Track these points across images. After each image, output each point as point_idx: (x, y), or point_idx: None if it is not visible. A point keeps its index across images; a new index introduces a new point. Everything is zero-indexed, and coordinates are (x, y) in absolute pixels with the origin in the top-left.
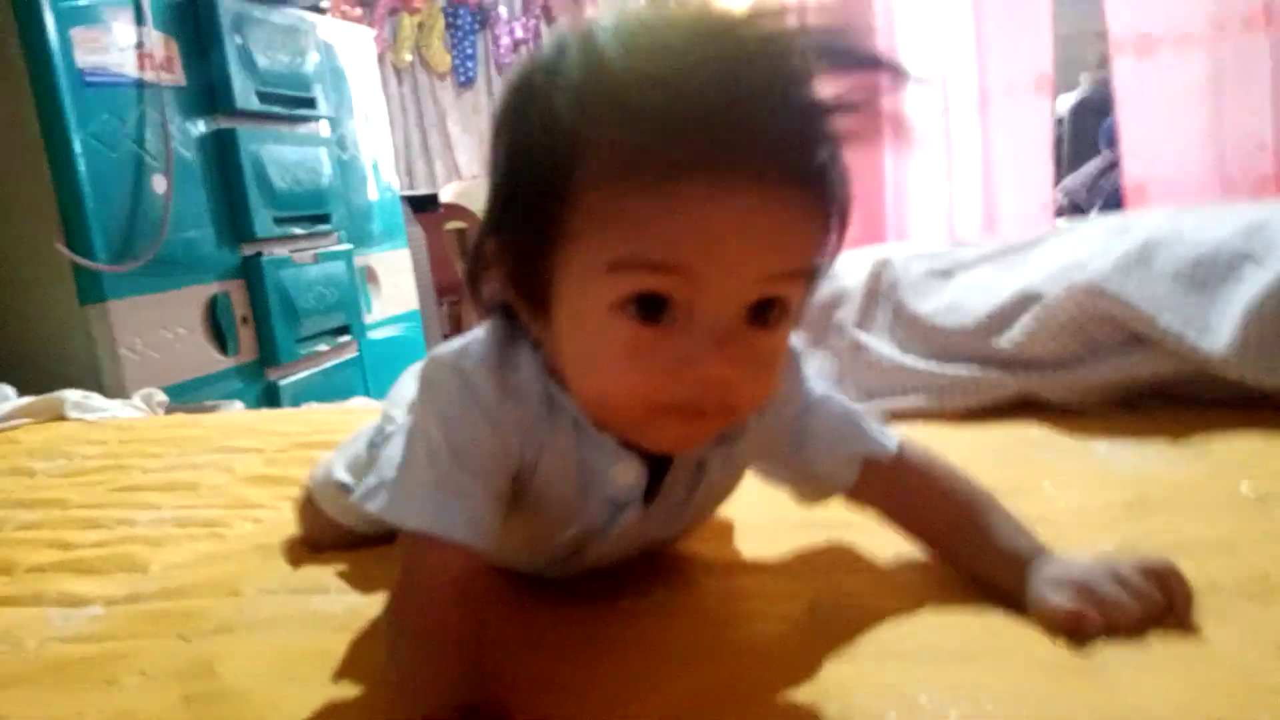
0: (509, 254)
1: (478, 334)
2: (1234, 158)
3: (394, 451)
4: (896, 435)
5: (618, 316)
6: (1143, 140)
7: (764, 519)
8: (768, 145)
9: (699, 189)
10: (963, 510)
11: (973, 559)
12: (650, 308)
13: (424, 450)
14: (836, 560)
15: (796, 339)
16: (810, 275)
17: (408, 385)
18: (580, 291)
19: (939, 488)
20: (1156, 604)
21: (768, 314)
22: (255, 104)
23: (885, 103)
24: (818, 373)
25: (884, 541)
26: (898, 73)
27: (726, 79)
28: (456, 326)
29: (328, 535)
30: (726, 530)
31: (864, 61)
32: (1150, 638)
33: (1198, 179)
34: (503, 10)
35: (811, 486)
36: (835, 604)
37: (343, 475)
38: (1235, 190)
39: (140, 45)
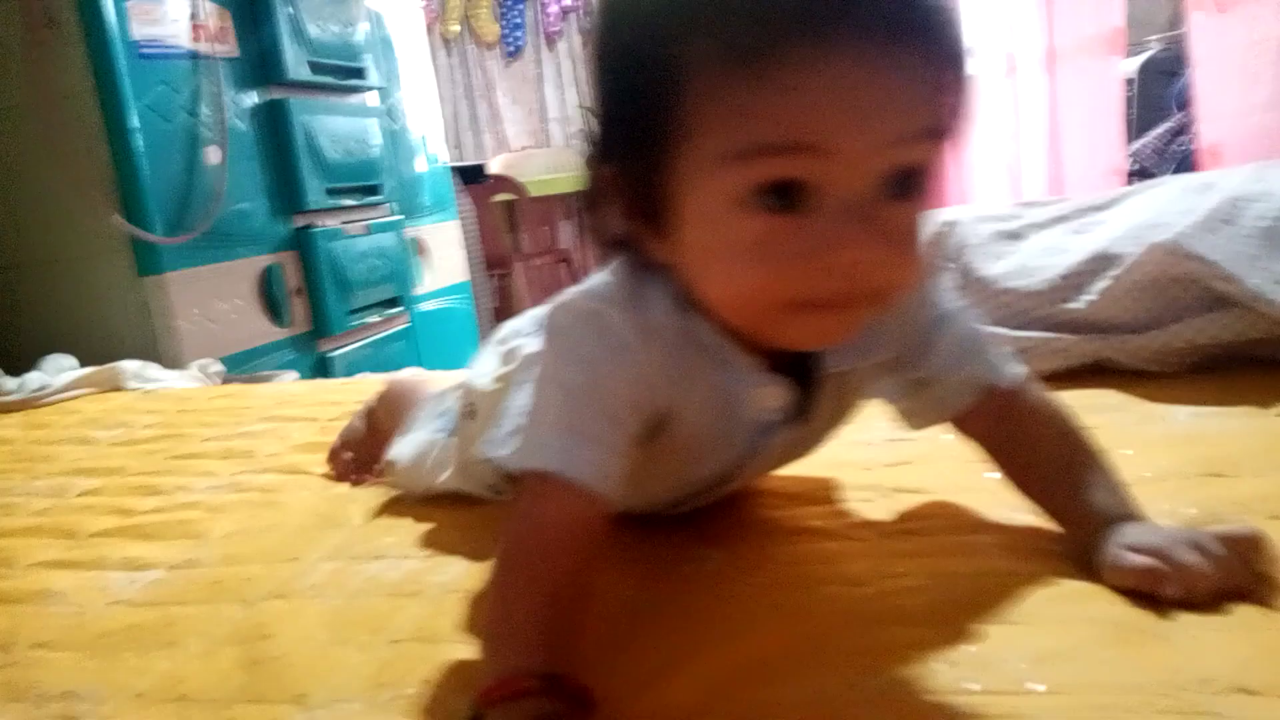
0: (625, 177)
1: (599, 278)
2: None
3: (521, 401)
4: (1020, 367)
5: (746, 211)
6: (1216, 101)
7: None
8: (882, 9)
9: (808, 59)
10: (1065, 458)
11: (1061, 509)
12: (781, 195)
13: (558, 394)
14: (901, 524)
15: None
16: (940, 135)
17: (489, 358)
18: (704, 194)
19: (1050, 430)
20: (1237, 573)
21: (905, 184)
22: (307, 74)
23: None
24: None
25: (948, 505)
26: None
27: None
28: (505, 299)
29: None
30: (796, 490)
31: None
32: (1241, 610)
33: (1276, 142)
34: None
35: (925, 406)
36: (899, 569)
37: (402, 455)
38: None
39: (194, 16)
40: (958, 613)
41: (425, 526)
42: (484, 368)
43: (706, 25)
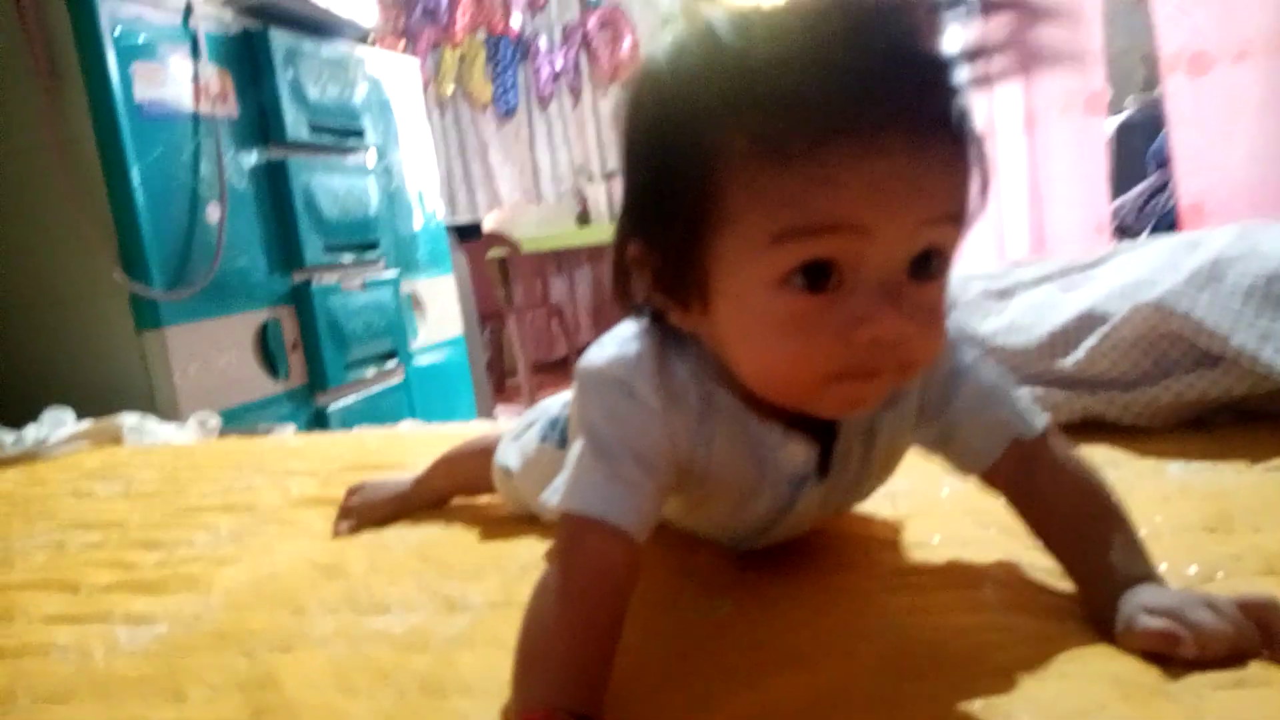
0: (656, 253)
1: (622, 338)
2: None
3: (573, 452)
4: (1044, 417)
5: (783, 291)
6: (1196, 159)
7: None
8: (905, 98)
9: (849, 150)
10: (1086, 514)
11: (1079, 566)
12: (815, 275)
13: (593, 447)
14: (906, 578)
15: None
16: (960, 220)
17: None
18: (741, 275)
19: (1073, 484)
20: (1252, 637)
21: (928, 265)
22: (306, 135)
23: (1017, 40)
24: (966, 338)
25: (954, 559)
26: (1025, 8)
27: (856, 44)
28: (498, 351)
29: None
30: (801, 540)
31: (987, 4)
32: (1241, 665)
33: (1257, 198)
34: (543, 42)
35: (957, 457)
36: (906, 622)
37: (511, 462)
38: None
39: (196, 79)
40: (965, 667)
41: (428, 577)
42: None
43: (747, 122)
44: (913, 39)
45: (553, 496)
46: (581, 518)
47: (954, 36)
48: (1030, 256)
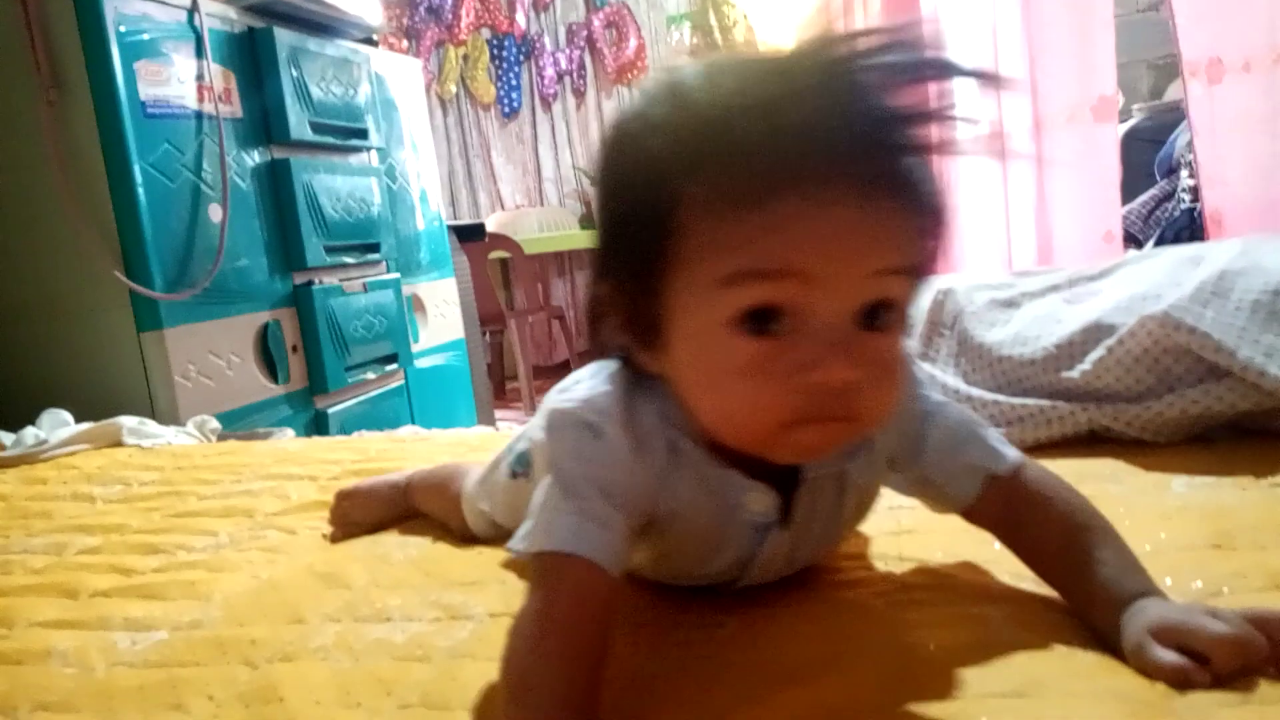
0: (622, 295)
1: (591, 382)
2: None
3: (538, 496)
4: (1014, 451)
5: (733, 334)
6: (1214, 167)
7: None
8: (855, 155)
9: (799, 201)
10: (1073, 537)
11: (1074, 591)
12: (764, 320)
13: (562, 487)
14: (907, 594)
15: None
16: (914, 274)
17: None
18: (694, 314)
19: (1054, 510)
20: (1260, 647)
21: (879, 317)
22: (309, 134)
23: (961, 111)
24: (930, 381)
25: (953, 576)
26: (981, 78)
27: (810, 101)
28: (499, 356)
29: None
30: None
31: (939, 71)
32: (1249, 682)
33: (1266, 209)
34: (547, 42)
35: (934, 500)
36: (908, 640)
37: (484, 505)
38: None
39: (200, 78)
40: (969, 685)
41: (430, 588)
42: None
43: (705, 173)
44: (868, 96)
45: (521, 542)
46: (556, 554)
47: (915, 95)
48: (1036, 267)
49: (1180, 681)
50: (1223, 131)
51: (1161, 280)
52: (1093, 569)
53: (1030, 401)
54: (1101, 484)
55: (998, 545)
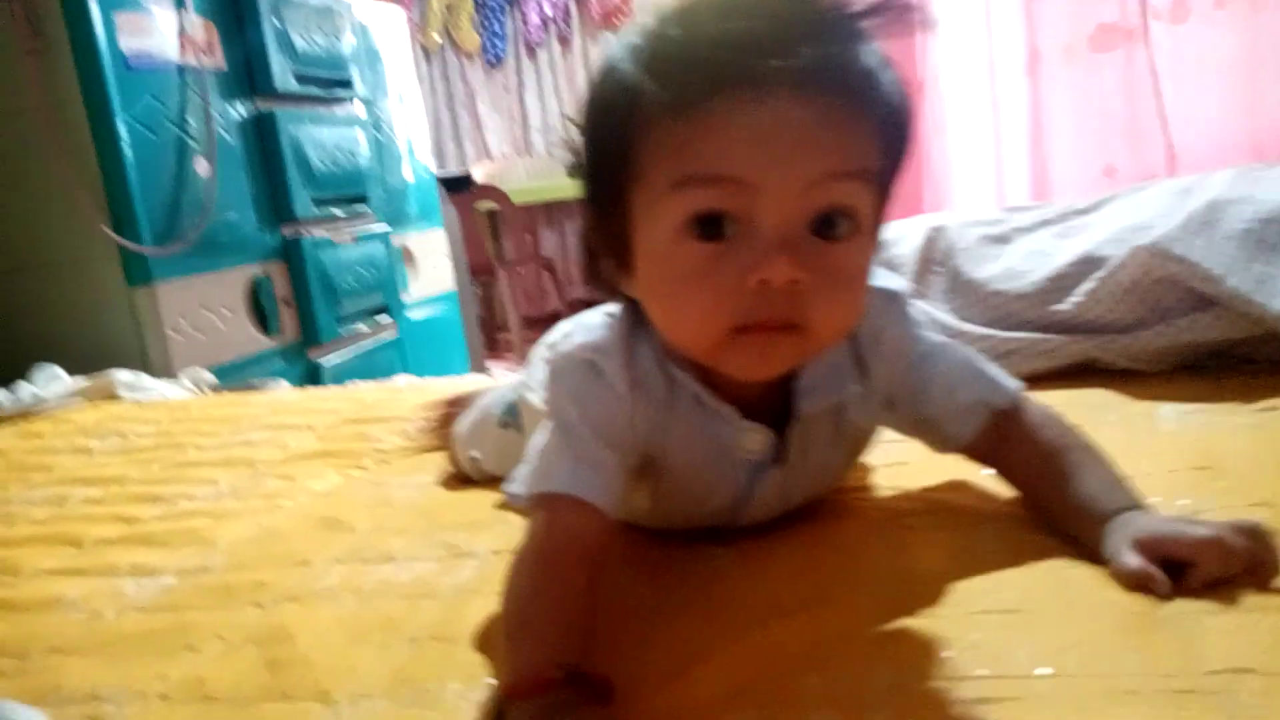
0: (599, 218)
1: (590, 326)
2: (1268, 127)
3: (537, 440)
4: (1014, 382)
5: (682, 240)
6: (1176, 108)
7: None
8: (799, 54)
9: (740, 102)
10: (1060, 458)
11: (1058, 507)
12: (711, 226)
13: (560, 429)
14: (904, 520)
15: (897, 281)
16: (871, 179)
17: (538, 365)
18: (649, 227)
19: (1044, 435)
20: (1241, 554)
21: (836, 225)
22: (294, 86)
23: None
24: (929, 322)
25: (948, 503)
26: None
27: (748, 7)
28: (490, 307)
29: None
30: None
31: None
32: (1234, 592)
33: (1231, 146)
34: None
35: (936, 439)
36: (905, 565)
37: (475, 451)
38: (1267, 158)
39: (181, 29)
40: (966, 604)
41: (433, 530)
42: (535, 375)
43: (653, 76)
44: (823, 4)
45: (518, 485)
46: (551, 495)
47: None
48: (1027, 203)
49: (1140, 585)
50: (1187, 73)
51: (1152, 212)
52: (1077, 486)
53: (1022, 335)
54: (1093, 413)
55: (990, 474)
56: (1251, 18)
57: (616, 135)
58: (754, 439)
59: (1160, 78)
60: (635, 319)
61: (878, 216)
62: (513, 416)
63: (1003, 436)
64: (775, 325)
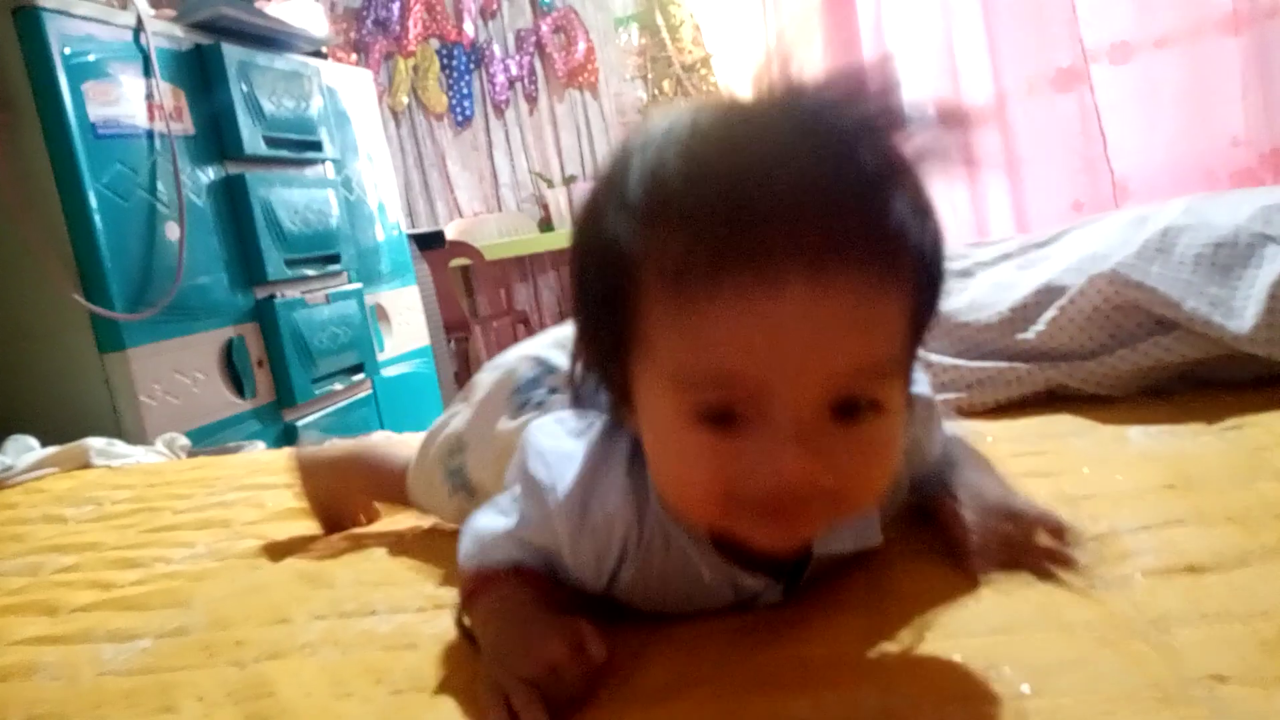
0: (596, 362)
1: (564, 450)
2: (1213, 152)
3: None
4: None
5: (689, 424)
6: (1123, 140)
7: None
8: (814, 230)
9: (746, 289)
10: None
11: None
12: (719, 418)
13: (515, 515)
14: (902, 543)
15: (923, 380)
16: (898, 365)
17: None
18: (654, 400)
19: None
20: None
21: (858, 410)
22: (263, 149)
23: (944, 146)
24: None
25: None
26: (951, 117)
27: (763, 168)
28: (465, 363)
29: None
30: None
31: (909, 125)
32: (1206, 593)
33: (1178, 174)
34: (496, 49)
35: None
36: (901, 586)
37: (428, 508)
38: (1217, 184)
39: (150, 96)
40: (949, 626)
41: (414, 581)
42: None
43: (660, 245)
44: (835, 159)
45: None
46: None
47: (873, 152)
48: (987, 238)
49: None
50: (1130, 107)
51: (1109, 241)
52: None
53: (989, 364)
54: (1063, 439)
55: None
56: (1191, 47)
57: (617, 294)
58: (758, 584)
59: (1112, 113)
60: (614, 443)
61: (908, 380)
62: (461, 481)
63: None
64: (792, 516)
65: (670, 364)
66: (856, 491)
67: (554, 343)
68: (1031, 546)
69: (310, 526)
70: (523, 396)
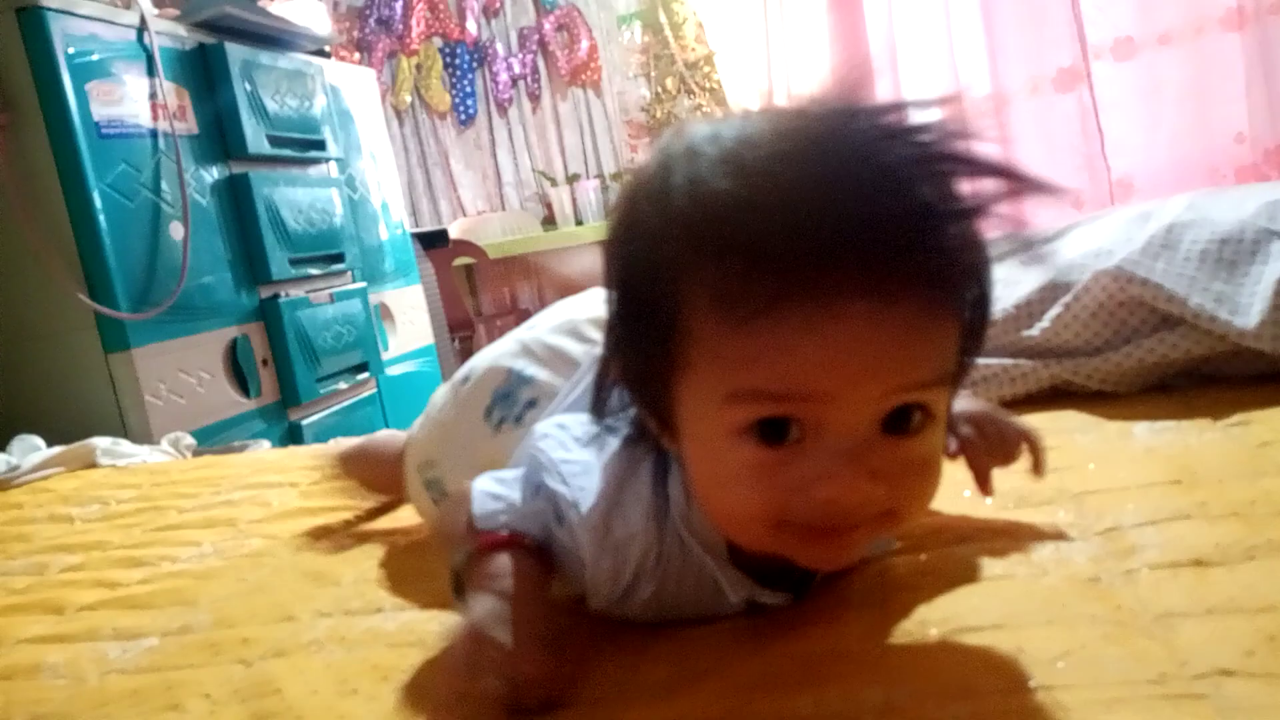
0: (632, 377)
1: (577, 463)
2: (1217, 149)
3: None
4: None
5: (740, 441)
6: (1124, 139)
7: None
8: (873, 258)
9: (806, 314)
10: None
11: None
12: (773, 431)
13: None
14: (904, 538)
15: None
16: (949, 378)
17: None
18: (700, 419)
19: None
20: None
21: (909, 420)
22: (267, 148)
23: (997, 201)
24: None
25: (931, 520)
26: (1008, 175)
27: (823, 196)
28: (469, 359)
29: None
30: None
31: (968, 166)
32: (1211, 588)
33: (1182, 171)
34: (499, 47)
35: None
36: (904, 583)
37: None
38: (1221, 181)
39: (153, 96)
40: (952, 622)
41: (420, 579)
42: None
43: (713, 269)
44: (896, 190)
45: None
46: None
47: (935, 187)
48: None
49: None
50: (1133, 105)
51: (1113, 237)
52: None
53: (994, 361)
54: (1068, 435)
55: (967, 493)
56: (1194, 43)
57: (660, 322)
58: (772, 597)
59: (1116, 110)
60: (636, 459)
61: (956, 391)
62: (439, 493)
63: None
64: (844, 531)
65: (724, 384)
66: (908, 509)
67: (519, 349)
68: (1011, 434)
69: (314, 525)
70: (500, 413)
